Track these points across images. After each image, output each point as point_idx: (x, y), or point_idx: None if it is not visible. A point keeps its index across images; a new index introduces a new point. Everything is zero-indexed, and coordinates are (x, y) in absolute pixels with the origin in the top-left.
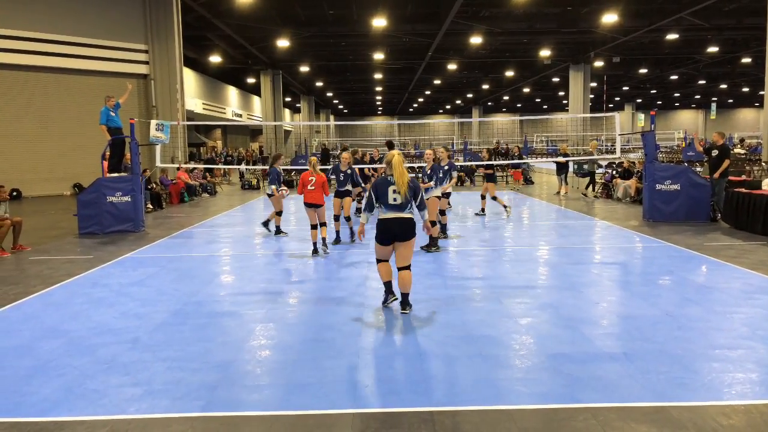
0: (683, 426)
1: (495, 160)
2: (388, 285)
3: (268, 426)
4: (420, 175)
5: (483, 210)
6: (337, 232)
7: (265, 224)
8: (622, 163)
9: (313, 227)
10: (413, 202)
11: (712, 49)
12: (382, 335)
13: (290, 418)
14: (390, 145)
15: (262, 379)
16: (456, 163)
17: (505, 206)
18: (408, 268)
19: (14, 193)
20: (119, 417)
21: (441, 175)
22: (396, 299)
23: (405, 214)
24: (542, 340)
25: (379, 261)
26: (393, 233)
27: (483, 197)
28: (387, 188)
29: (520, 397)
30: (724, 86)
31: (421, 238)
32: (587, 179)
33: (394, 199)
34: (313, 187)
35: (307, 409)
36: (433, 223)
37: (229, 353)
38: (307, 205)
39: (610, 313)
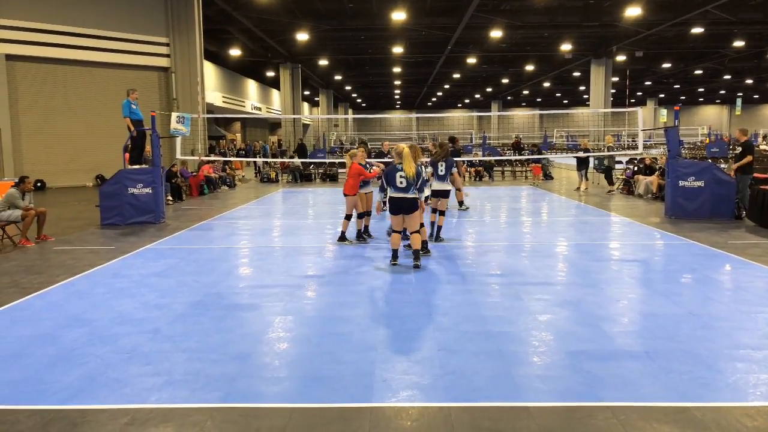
0: (706, 427)
1: (514, 155)
2: (395, 252)
3: (286, 418)
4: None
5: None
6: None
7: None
8: (644, 159)
9: (346, 217)
10: (415, 186)
11: (738, 43)
12: (400, 330)
13: (308, 410)
14: (452, 140)
15: (280, 372)
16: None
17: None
18: (417, 232)
19: (38, 184)
20: (140, 406)
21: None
22: (396, 264)
23: (408, 195)
24: (562, 337)
25: (394, 231)
26: (400, 209)
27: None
28: (395, 174)
29: (539, 394)
30: (749, 81)
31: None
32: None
33: (401, 183)
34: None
35: (325, 402)
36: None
37: (248, 345)
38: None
39: (631, 310)
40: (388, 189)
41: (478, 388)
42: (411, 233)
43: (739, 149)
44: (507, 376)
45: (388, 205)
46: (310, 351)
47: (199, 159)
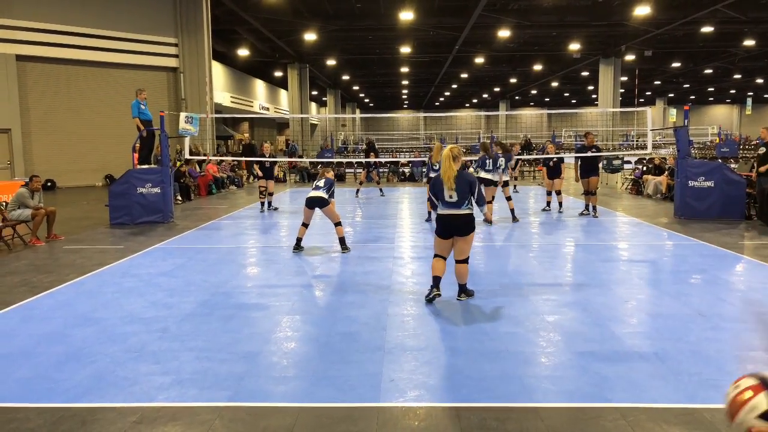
0: (716, 429)
1: (523, 154)
2: (436, 279)
3: (294, 417)
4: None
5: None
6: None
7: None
8: (653, 159)
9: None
10: (471, 198)
11: (749, 42)
12: (407, 330)
13: (316, 410)
14: (586, 135)
15: (288, 371)
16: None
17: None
18: (465, 261)
19: (48, 184)
20: (149, 404)
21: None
22: (439, 295)
23: (462, 211)
24: (570, 338)
25: (435, 256)
26: (451, 229)
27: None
28: (443, 185)
29: (547, 395)
30: (760, 81)
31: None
32: (617, 174)
33: (450, 197)
34: None
35: (332, 401)
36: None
37: (256, 344)
38: None
39: (639, 311)
40: (438, 204)
41: (485, 389)
42: (457, 261)
43: (763, 149)
44: (515, 377)
45: (436, 223)
46: (317, 350)
47: (208, 159)
